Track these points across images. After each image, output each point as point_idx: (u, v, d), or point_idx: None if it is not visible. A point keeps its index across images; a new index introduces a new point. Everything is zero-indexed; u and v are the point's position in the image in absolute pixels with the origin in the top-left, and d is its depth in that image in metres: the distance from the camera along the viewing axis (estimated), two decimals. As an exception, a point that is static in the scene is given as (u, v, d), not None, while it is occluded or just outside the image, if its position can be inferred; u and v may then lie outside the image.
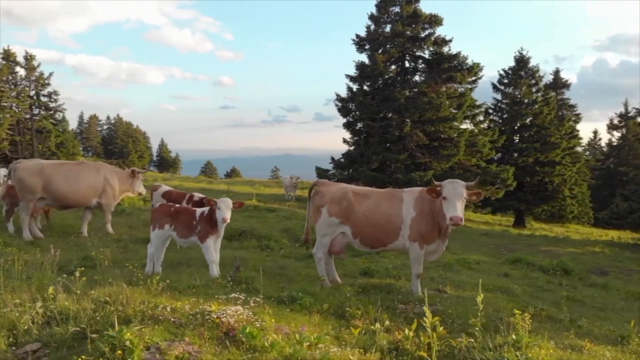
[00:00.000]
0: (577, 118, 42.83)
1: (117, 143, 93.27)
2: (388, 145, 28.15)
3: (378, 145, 27.67)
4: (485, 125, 32.24)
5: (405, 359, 4.78)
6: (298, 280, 7.45)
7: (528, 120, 33.35)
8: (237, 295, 4.56)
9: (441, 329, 5.34)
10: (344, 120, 29.75)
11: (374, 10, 29.76)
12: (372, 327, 5.50)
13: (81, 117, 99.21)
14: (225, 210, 6.39)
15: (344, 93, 30.23)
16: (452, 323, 6.36)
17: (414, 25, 28.41)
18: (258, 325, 4.14)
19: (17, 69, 44.73)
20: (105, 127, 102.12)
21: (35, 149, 47.18)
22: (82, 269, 5.39)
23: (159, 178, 42.10)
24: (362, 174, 27.76)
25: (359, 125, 29.86)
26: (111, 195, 11.45)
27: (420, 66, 29.85)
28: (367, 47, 29.37)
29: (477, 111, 29.17)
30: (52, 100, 48.25)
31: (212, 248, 6.66)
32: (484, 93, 34.23)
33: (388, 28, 29.28)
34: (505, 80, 33.73)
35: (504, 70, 33.82)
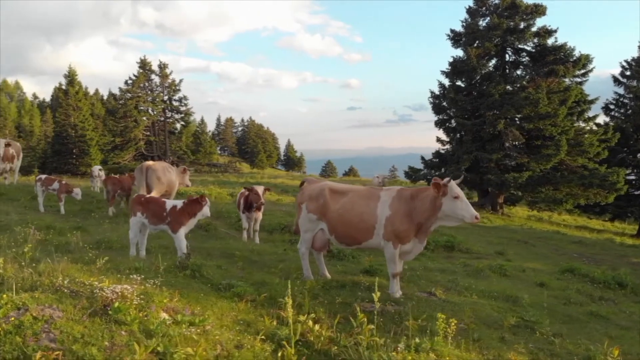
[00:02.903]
0: None
1: (249, 144, 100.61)
2: (483, 144, 26.86)
3: (471, 144, 26.54)
4: (601, 121, 29.08)
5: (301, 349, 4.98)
6: (274, 272, 7.84)
7: (657, 117, 29.30)
8: (135, 277, 5.14)
9: (371, 327, 5.43)
10: (436, 118, 28.99)
11: (471, 3, 28.53)
12: (299, 318, 5.76)
13: (219, 119, 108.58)
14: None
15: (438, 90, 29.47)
16: (400, 324, 6.30)
17: (513, 17, 26.67)
18: (136, 302, 4.68)
19: (153, 76, 50.73)
20: (239, 129, 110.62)
21: (168, 148, 53.01)
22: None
23: (258, 176, 44.80)
24: (452, 173, 26.85)
25: (454, 123, 28.90)
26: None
27: (523, 59, 27.94)
28: (462, 41, 28.25)
29: (585, 107, 26.40)
30: (183, 104, 53.76)
31: (183, 237, 7.39)
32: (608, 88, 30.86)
33: (486, 21, 27.86)
34: (628, 73, 29.94)
35: (626, 61, 30.05)
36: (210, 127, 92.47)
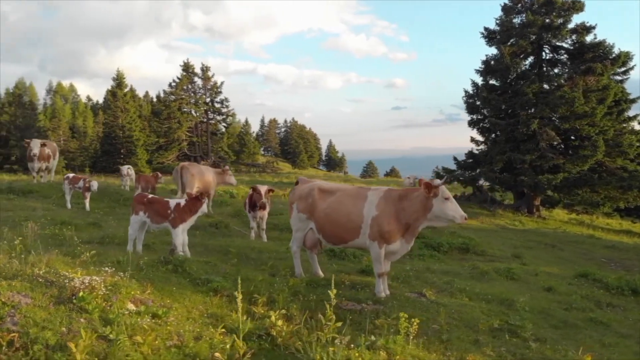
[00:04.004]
0: None
1: (291, 144, 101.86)
2: (517, 144, 26.16)
3: (505, 144, 25.92)
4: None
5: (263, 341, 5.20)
6: (263, 269, 8.07)
7: None
8: (106, 269, 5.48)
9: (338, 324, 5.58)
10: (470, 117, 28.46)
11: (507, 0, 27.82)
12: (269, 313, 5.96)
13: (262, 120, 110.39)
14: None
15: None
16: (370, 323, 6.39)
17: (549, 14, 25.83)
18: (103, 293, 5.01)
19: (196, 79, 52.29)
20: (282, 130, 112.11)
21: (210, 149, 54.47)
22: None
23: (293, 176, 45.21)
24: (484, 175, 26.38)
25: (488, 123, 28.28)
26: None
27: (561, 57, 27.02)
28: (496, 39, 27.61)
29: (625, 106, 25.19)
30: (224, 106, 55.11)
31: (181, 234, 7.78)
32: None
33: (521, 18, 27.09)
34: (678, 69, 28.32)
35: (676, 56, 28.45)
36: (255, 128, 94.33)
